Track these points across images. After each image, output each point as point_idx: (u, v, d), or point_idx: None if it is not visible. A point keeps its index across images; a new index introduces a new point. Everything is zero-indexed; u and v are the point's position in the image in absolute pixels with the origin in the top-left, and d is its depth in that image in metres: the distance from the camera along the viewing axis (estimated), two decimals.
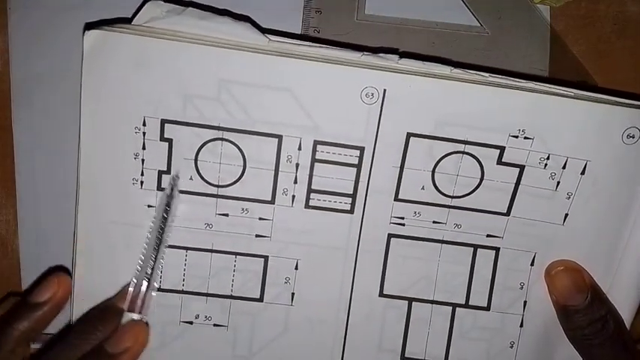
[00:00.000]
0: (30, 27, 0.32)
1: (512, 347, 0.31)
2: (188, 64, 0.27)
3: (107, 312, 0.28)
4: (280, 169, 0.29)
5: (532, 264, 0.30)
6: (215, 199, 0.29)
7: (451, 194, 0.29)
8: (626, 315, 0.30)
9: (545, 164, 0.29)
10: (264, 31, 0.28)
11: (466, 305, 0.31)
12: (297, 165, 0.29)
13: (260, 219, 0.29)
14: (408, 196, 0.29)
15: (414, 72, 0.28)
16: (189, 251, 0.29)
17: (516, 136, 0.28)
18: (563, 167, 0.29)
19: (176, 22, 0.27)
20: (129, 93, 0.27)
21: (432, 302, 0.31)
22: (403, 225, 0.30)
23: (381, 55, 0.28)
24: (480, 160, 0.29)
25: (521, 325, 0.31)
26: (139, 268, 0.28)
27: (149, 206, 0.29)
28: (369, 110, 0.28)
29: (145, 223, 0.29)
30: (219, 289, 0.30)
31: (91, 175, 0.28)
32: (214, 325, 0.30)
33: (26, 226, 0.34)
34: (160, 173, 0.28)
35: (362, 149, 0.29)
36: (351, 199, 0.29)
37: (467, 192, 0.29)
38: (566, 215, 0.29)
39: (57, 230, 0.33)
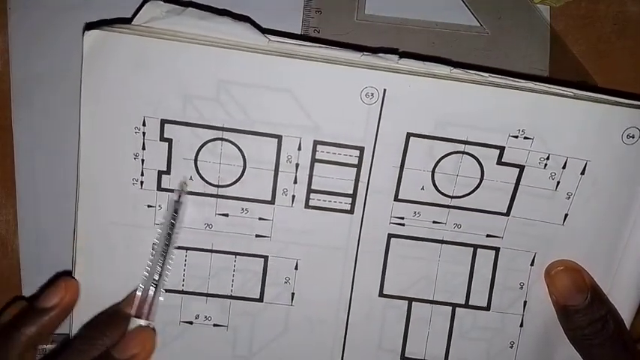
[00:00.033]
0: (30, 27, 0.32)
1: (512, 347, 0.31)
2: (188, 65, 0.27)
3: (114, 317, 0.28)
4: (280, 169, 0.29)
5: (532, 264, 0.30)
6: (215, 199, 0.29)
7: (451, 194, 0.29)
8: (626, 315, 0.30)
9: (545, 164, 0.29)
10: (264, 31, 0.28)
11: (466, 305, 0.31)
12: (297, 165, 0.29)
13: (260, 219, 0.29)
14: (407, 196, 0.29)
15: (413, 72, 0.28)
16: (189, 251, 0.29)
17: (516, 136, 0.28)
18: (563, 167, 0.29)
19: (176, 22, 0.27)
20: (129, 93, 0.27)
21: (432, 302, 0.31)
22: (403, 225, 0.30)
23: (380, 55, 0.28)
24: (480, 160, 0.29)
25: (521, 325, 0.31)
26: (147, 274, 0.28)
27: (149, 206, 0.29)
28: (368, 110, 0.28)
29: (145, 224, 0.29)
30: (219, 289, 0.30)
31: (90, 176, 0.28)
32: (214, 325, 0.30)
33: (26, 226, 0.34)
34: (160, 173, 0.28)
35: (362, 149, 0.29)
36: (351, 199, 0.29)
37: (467, 192, 0.29)
38: (566, 215, 0.29)
39: (57, 230, 0.33)
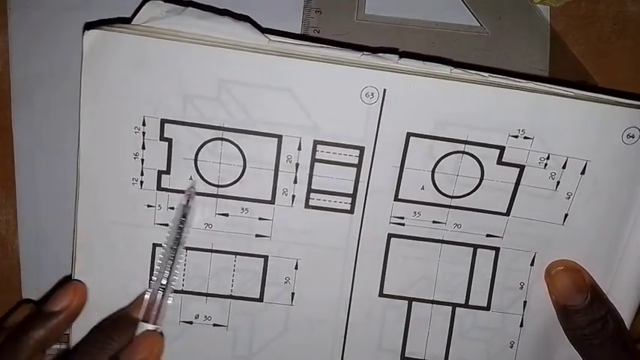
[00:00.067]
0: (30, 27, 0.32)
1: (512, 347, 0.31)
2: (188, 64, 0.27)
3: (122, 322, 0.28)
4: (280, 169, 0.29)
5: (532, 264, 0.30)
6: (215, 198, 0.29)
7: (451, 194, 0.29)
8: (626, 315, 0.30)
9: (545, 164, 0.29)
10: (264, 31, 0.28)
11: (466, 305, 0.31)
12: (297, 165, 0.29)
13: (260, 219, 0.29)
14: (407, 196, 0.29)
15: (414, 72, 0.28)
16: (189, 251, 0.29)
17: (516, 136, 0.28)
18: (563, 167, 0.29)
19: (176, 22, 0.27)
20: (128, 93, 0.27)
21: (432, 302, 0.31)
22: (403, 225, 0.30)
23: (380, 55, 0.28)
24: (480, 160, 0.29)
25: (521, 325, 0.31)
26: (154, 278, 0.28)
27: (149, 206, 0.29)
28: (368, 110, 0.28)
29: (145, 223, 0.29)
30: (219, 289, 0.30)
31: (90, 175, 0.28)
32: (214, 325, 0.30)
33: (26, 226, 0.34)
34: (160, 173, 0.28)
35: (362, 149, 0.29)
36: (351, 198, 0.29)
37: (467, 192, 0.29)
38: (566, 215, 0.29)
39: (57, 230, 0.33)
